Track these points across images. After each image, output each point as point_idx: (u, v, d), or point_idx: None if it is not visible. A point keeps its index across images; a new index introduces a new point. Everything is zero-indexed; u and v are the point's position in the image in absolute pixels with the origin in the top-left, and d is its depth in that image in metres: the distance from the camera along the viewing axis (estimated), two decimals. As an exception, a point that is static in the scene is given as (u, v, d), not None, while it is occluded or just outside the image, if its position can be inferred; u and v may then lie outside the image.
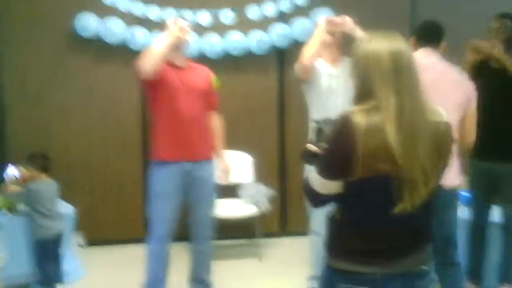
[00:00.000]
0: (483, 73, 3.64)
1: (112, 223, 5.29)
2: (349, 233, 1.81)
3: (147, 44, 4.16)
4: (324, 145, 1.84)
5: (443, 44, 3.27)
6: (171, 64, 3.62)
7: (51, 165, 4.20)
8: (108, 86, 5.19)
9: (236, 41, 5.15)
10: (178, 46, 3.62)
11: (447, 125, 1.81)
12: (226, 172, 4.04)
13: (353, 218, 1.80)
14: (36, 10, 5.07)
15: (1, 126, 5.10)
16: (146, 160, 4.71)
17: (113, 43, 5.06)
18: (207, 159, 3.78)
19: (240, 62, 5.30)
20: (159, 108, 3.62)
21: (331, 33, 3.74)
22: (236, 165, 5.09)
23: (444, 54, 3.27)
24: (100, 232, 5.22)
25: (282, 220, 5.57)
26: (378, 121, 1.66)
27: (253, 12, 5.21)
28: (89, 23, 4.97)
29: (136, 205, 5.17)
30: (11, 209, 4.14)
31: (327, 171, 1.77)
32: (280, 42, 5.21)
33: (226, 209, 4.86)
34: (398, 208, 1.70)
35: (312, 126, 1.96)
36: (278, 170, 5.52)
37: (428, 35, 3.25)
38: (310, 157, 1.91)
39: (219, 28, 5.18)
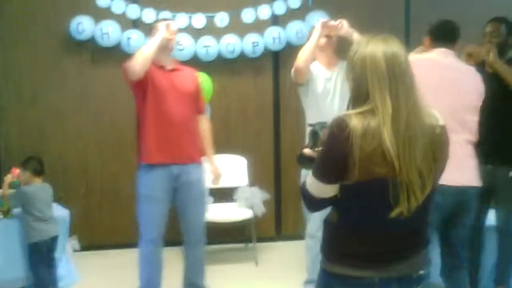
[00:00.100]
0: None
1: (108, 227, 5.27)
2: (346, 237, 1.80)
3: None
4: (320, 149, 1.84)
5: (458, 44, 3.26)
6: (159, 67, 3.60)
7: (45, 169, 4.19)
8: (104, 89, 5.18)
9: (231, 44, 5.14)
10: (166, 48, 3.61)
11: (443, 129, 1.80)
12: (216, 175, 4.02)
13: (350, 221, 1.79)
14: (32, 13, 5.07)
15: (-4, 129, 5.09)
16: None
17: (108, 46, 5.05)
18: (196, 162, 3.74)
19: (235, 65, 5.30)
20: (147, 110, 3.57)
21: (327, 36, 3.74)
22: (231, 169, 5.10)
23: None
24: (95, 236, 5.21)
25: (277, 224, 5.56)
26: (375, 125, 1.66)
27: (248, 15, 5.21)
28: (84, 26, 4.96)
29: (131, 209, 5.09)
30: (6, 212, 4.12)
31: (323, 175, 1.77)
32: (275, 45, 5.22)
33: (221, 213, 4.85)
34: (394, 212, 1.70)
35: (308, 129, 1.95)
36: (273, 174, 5.52)
37: (444, 35, 3.22)
38: (306, 161, 1.91)
39: (214, 31, 5.18)
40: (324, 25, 3.68)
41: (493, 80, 3.54)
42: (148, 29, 4.94)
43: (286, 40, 5.21)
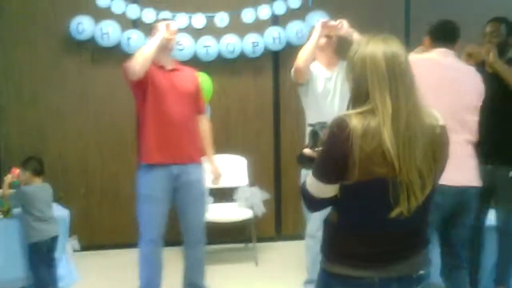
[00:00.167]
0: None
1: (108, 227, 5.27)
2: (346, 237, 1.80)
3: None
4: (320, 149, 1.84)
5: (458, 44, 3.25)
6: (159, 67, 3.59)
7: (45, 169, 4.19)
8: (104, 89, 5.18)
9: (231, 44, 5.14)
10: (166, 48, 3.60)
11: (443, 129, 1.80)
12: (216, 175, 4.02)
13: (350, 221, 1.79)
14: (32, 13, 5.07)
15: (-4, 129, 5.09)
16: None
17: (108, 46, 5.05)
18: (196, 162, 3.74)
19: (235, 65, 5.30)
20: (147, 110, 3.56)
21: (327, 36, 3.74)
22: (231, 169, 5.10)
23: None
24: (95, 236, 5.22)
25: (277, 224, 5.56)
26: (375, 125, 1.66)
27: (248, 15, 5.21)
28: (84, 26, 4.96)
29: (131, 209, 5.10)
30: (6, 212, 4.12)
31: (323, 175, 1.77)
32: (275, 45, 5.22)
33: (221, 213, 4.85)
34: (394, 212, 1.70)
35: (308, 129, 1.95)
36: (273, 174, 5.52)
37: (444, 35, 3.22)
38: (306, 161, 1.91)
39: (214, 31, 5.18)
40: (324, 25, 3.68)
41: (493, 80, 3.54)
42: (148, 29, 4.94)
43: (286, 40, 5.21)
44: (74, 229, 4.59)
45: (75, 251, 4.61)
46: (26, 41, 5.07)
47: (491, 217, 3.84)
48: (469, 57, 3.73)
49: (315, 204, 1.86)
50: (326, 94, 3.74)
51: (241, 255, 5.19)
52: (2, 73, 5.07)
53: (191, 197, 3.73)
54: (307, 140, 2.01)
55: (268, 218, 5.26)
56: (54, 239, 4.07)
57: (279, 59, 5.38)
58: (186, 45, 5.05)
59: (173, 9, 5.09)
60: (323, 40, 3.73)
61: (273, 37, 5.19)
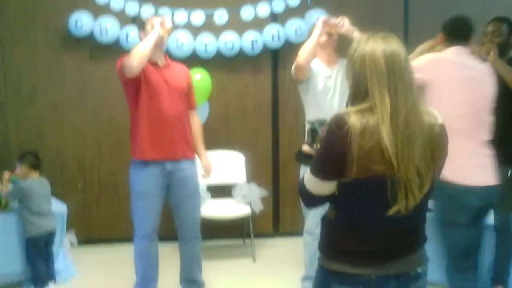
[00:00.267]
0: None
1: (105, 222, 5.28)
2: (344, 234, 1.81)
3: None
4: (318, 146, 1.84)
5: (472, 40, 3.23)
6: (152, 63, 3.59)
7: (42, 163, 4.20)
8: (102, 85, 5.18)
9: (230, 42, 5.14)
10: (159, 45, 3.60)
11: (442, 127, 1.80)
12: (207, 170, 4.01)
13: (348, 219, 1.80)
14: (30, 9, 5.06)
15: (-5, 124, 5.09)
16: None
17: (107, 42, 5.05)
18: (189, 158, 3.74)
19: (234, 62, 5.30)
20: (140, 107, 3.55)
21: (328, 34, 3.75)
22: (229, 165, 5.12)
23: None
24: (93, 231, 5.22)
25: (275, 221, 5.57)
26: (373, 122, 1.66)
27: (247, 13, 5.20)
28: (83, 22, 4.96)
29: (129, 204, 5.12)
30: (4, 207, 4.12)
31: (321, 172, 1.78)
32: (274, 43, 5.22)
33: (219, 209, 4.86)
34: (392, 210, 1.70)
35: (307, 127, 1.96)
36: (271, 170, 5.52)
37: (459, 32, 3.19)
38: (305, 158, 1.92)
39: (213, 28, 5.18)
40: (325, 23, 3.69)
41: None
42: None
43: (285, 38, 5.21)
44: (71, 224, 4.59)
45: (72, 245, 4.61)
46: (24, 37, 5.06)
47: (489, 217, 3.85)
48: None
49: (312, 201, 1.87)
50: (326, 92, 3.75)
51: (239, 252, 5.20)
52: (1, 69, 5.06)
53: (185, 193, 3.74)
54: (306, 137, 2.02)
55: (266, 214, 5.26)
56: (51, 233, 4.09)
57: (278, 57, 5.38)
58: (185, 42, 5.05)
59: (172, 6, 5.09)
60: (324, 38, 3.74)
61: (272, 34, 5.19)
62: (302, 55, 3.64)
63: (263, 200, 5.02)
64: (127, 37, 4.98)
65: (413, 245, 1.85)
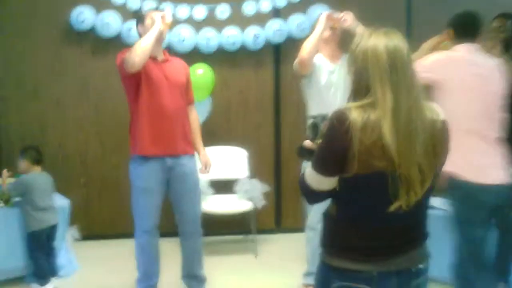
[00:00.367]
0: None
1: (107, 217, 5.29)
2: (345, 229, 1.81)
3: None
4: (320, 141, 1.84)
5: (481, 36, 3.20)
6: (152, 58, 3.57)
7: (44, 158, 4.20)
8: (104, 80, 5.18)
9: (232, 36, 5.14)
10: (159, 39, 3.58)
11: (444, 124, 1.80)
12: (206, 165, 4.00)
13: (349, 215, 1.80)
14: (33, 3, 5.06)
15: (-3, 119, 5.09)
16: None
17: (109, 37, 5.05)
18: (189, 154, 3.74)
19: (236, 57, 5.29)
20: (140, 102, 3.54)
21: (332, 28, 3.73)
22: (231, 161, 5.11)
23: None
24: (95, 226, 5.23)
25: (277, 216, 5.57)
26: (375, 118, 1.66)
27: (249, 8, 5.20)
28: (85, 17, 4.95)
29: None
30: (6, 201, 4.13)
31: (323, 167, 1.77)
32: (276, 37, 5.21)
33: (221, 204, 4.86)
34: (393, 206, 1.70)
35: (309, 121, 1.95)
36: (273, 166, 5.52)
37: (468, 28, 3.17)
38: (306, 153, 1.91)
39: (215, 23, 5.17)
40: (329, 18, 3.68)
41: None
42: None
43: (287, 33, 5.20)
44: (74, 219, 4.59)
45: (75, 240, 4.62)
46: (27, 31, 5.06)
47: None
48: None
49: (313, 196, 1.86)
50: (329, 87, 3.74)
51: (241, 247, 5.21)
52: (3, 63, 5.07)
53: (185, 189, 3.73)
54: (307, 132, 2.01)
55: (268, 210, 5.27)
56: (53, 228, 4.09)
57: (280, 52, 5.37)
58: (187, 37, 5.04)
59: (174, 0, 5.08)
60: (327, 33, 3.73)
61: (274, 29, 5.18)
62: (306, 49, 3.62)
63: (265, 195, 5.02)
64: (129, 32, 4.97)
65: (414, 241, 1.84)
